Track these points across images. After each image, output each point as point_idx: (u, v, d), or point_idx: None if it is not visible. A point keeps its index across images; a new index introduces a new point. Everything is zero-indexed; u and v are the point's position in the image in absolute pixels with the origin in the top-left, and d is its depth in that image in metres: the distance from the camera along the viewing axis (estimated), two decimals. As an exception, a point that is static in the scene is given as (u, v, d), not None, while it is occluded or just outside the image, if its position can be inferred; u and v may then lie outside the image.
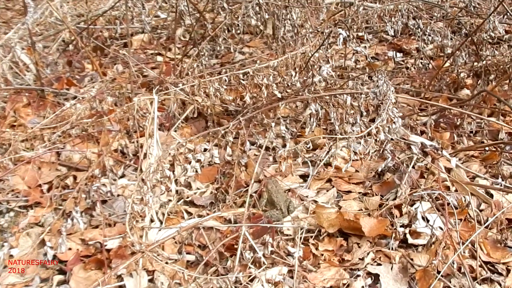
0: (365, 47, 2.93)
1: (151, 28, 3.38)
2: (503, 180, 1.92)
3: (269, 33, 3.10)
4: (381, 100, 1.97)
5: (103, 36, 3.38)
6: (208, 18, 3.14)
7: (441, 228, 1.71)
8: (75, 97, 2.60)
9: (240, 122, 2.03)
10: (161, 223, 1.85)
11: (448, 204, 1.74)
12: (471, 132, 2.27)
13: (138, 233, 1.74)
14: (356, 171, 2.09)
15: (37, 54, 2.74)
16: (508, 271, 1.61)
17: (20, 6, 3.85)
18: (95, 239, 1.77)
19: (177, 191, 1.96)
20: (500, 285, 1.56)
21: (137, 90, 2.62)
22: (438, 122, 2.31)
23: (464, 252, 1.62)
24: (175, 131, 2.31)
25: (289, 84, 2.31)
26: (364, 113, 2.14)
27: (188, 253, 1.70)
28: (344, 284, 1.58)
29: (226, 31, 2.98)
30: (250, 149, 2.13)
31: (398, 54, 3.08)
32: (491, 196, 1.89)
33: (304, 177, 2.08)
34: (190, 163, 1.90)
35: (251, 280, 1.53)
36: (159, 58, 3.17)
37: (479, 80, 2.50)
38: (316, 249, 1.72)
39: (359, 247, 1.71)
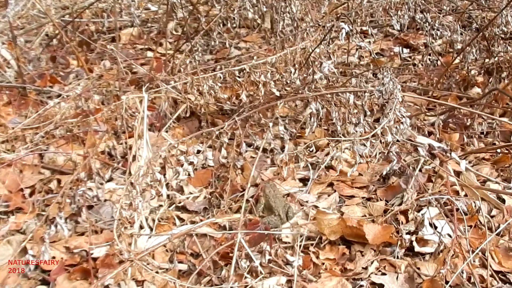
0: (369, 42, 2.94)
1: (140, 21, 3.39)
2: (515, 184, 1.94)
3: (267, 27, 3.11)
4: (387, 99, 1.98)
5: (89, 30, 3.39)
6: (202, 10, 3.15)
7: (449, 235, 1.72)
8: (59, 95, 2.61)
9: (235, 122, 2.04)
10: (151, 230, 1.85)
11: (457, 209, 1.75)
12: (482, 133, 2.29)
13: (127, 241, 1.74)
14: (360, 174, 2.10)
15: (18, 49, 2.74)
16: (520, 281, 1.63)
17: (0, -3, 3.85)
18: (81, 247, 1.77)
19: (168, 195, 1.97)
20: (512, 296, 1.58)
21: (126, 87, 2.62)
22: (447, 122, 2.32)
23: (474, 261, 1.63)
24: (166, 131, 2.32)
25: (288, 81, 2.32)
26: (368, 113, 2.15)
27: (180, 262, 1.70)
28: (346, 295, 1.59)
29: (221, 25, 2.99)
30: (246, 151, 2.14)
31: (405, 50, 3.09)
32: (503, 201, 1.90)
33: (304, 180, 2.08)
34: (182, 165, 1.91)
35: (247, 291, 1.54)
36: (149, 54, 3.17)
37: (491, 78, 2.52)
38: (317, 257, 1.72)
39: (362, 255, 1.72)
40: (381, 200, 1.96)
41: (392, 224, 1.80)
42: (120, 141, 2.25)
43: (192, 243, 1.76)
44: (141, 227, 1.83)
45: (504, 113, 2.40)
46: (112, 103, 2.36)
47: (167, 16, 3.08)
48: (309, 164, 2.10)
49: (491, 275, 1.62)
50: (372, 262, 1.69)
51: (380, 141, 1.89)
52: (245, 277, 1.58)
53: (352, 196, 1.99)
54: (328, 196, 2.00)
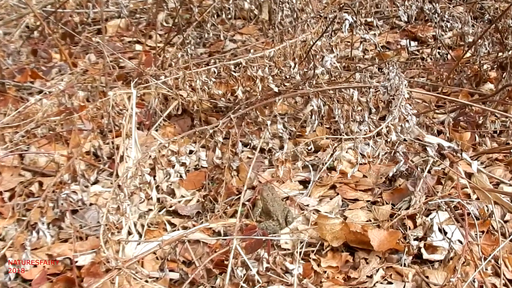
0: (374, 34, 2.94)
1: (128, 12, 3.39)
2: (531, 187, 1.95)
3: (265, 18, 3.11)
4: (393, 95, 1.98)
5: (73, 21, 3.38)
6: (195, 0, 3.15)
7: (460, 242, 1.73)
8: (40, 92, 2.61)
9: (231, 120, 2.05)
10: (140, 236, 1.85)
11: (469, 214, 1.76)
12: (495, 132, 2.30)
13: (114, 248, 1.74)
14: (364, 176, 2.10)
15: (-4, 42, 2.74)
16: (536, 290, 1.63)
17: (-23, -14, 3.84)
18: (64, 254, 1.77)
19: (158, 199, 1.97)
20: (527, 306, 1.59)
21: (113, 83, 2.62)
22: (458, 120, 2.33)
23: (486, 269, 1.64)
24: (156, 130, 2.32)
25: (288, 76, 2.33)
26: (373, 110, 2.16)
27: (171, 270, 1.70)
28: (349, 306, 1.60)
29: (215, 16, 2.99)
30: (242, 151, 2.14)
31: (412, 43, 3.10)
32: (517, 205, 1.91)
33: (305, 183, 2.09)
34: (173, 167, 1.91)
35: (244, 301, 1.55)
36: (138, 47, 3.18)
37: (504, 73, 2.52)
38: (318, 265, 1.73)
39: (367, 263, 1.73)
40: (387, 203, 1.96)
41: (398, 229, 1.80)
42: (106, 140, 2.25)
43: (184, 250, 1.77)
44: (130, 233, 1.83)
45: (519, 110, 2.41)
46: (98, 100, 2.36)
47: (157, 6, 3.08)
48: (309, 165, 2.10)
49: (505, 284, 1.62)
50: (377, 270, 1.69)
51: (386, 141, 1.90)
52: (241, 287, 1.58)
53: (356, 200, 2.00)
54: (330, 199, 2.00)
